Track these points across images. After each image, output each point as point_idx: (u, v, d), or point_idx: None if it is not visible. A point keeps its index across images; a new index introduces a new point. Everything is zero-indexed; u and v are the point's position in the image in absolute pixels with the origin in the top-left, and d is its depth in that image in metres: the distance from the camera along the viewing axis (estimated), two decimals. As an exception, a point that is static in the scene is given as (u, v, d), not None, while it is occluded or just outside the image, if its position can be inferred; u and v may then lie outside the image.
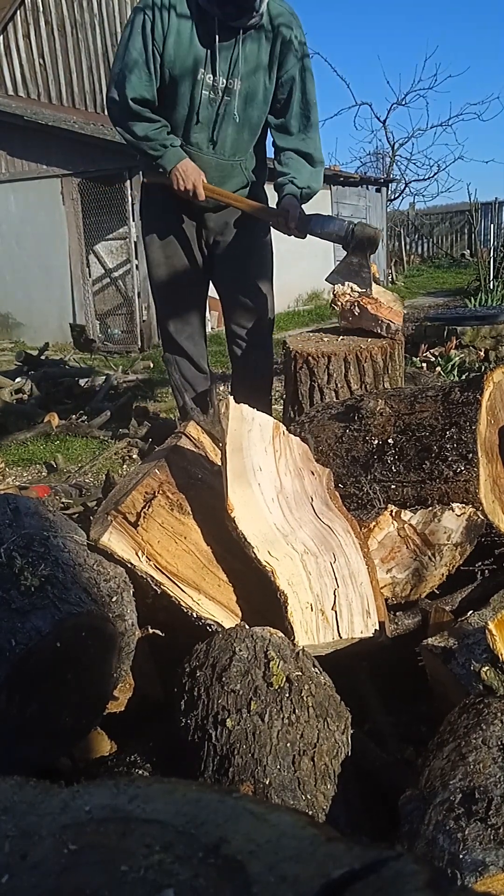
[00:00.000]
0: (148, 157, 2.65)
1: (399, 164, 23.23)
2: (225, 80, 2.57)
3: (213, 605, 1.33)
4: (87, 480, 3.44)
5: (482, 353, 5.70)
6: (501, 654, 1.03)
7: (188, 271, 2.92)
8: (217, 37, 2.50)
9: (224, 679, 1.12)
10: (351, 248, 2.62)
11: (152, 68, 2.52)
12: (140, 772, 1.15)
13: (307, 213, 2.67)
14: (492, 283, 9.02)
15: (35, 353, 6.07)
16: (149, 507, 1.36)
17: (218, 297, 3.06)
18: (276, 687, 1.11)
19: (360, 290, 2.61)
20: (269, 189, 3.02)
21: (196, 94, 2.57)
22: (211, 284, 3.06)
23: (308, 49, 2.70)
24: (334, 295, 2.64)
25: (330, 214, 2.75)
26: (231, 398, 1.51)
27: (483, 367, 5.18)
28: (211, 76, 2.56)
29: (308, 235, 2.69)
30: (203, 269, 2.95)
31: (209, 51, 2.52)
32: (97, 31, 11.94)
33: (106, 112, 2.68)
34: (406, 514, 1.55)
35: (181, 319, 3.00)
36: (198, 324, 3.06)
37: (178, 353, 3.04)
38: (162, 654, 1.46)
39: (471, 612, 1.41)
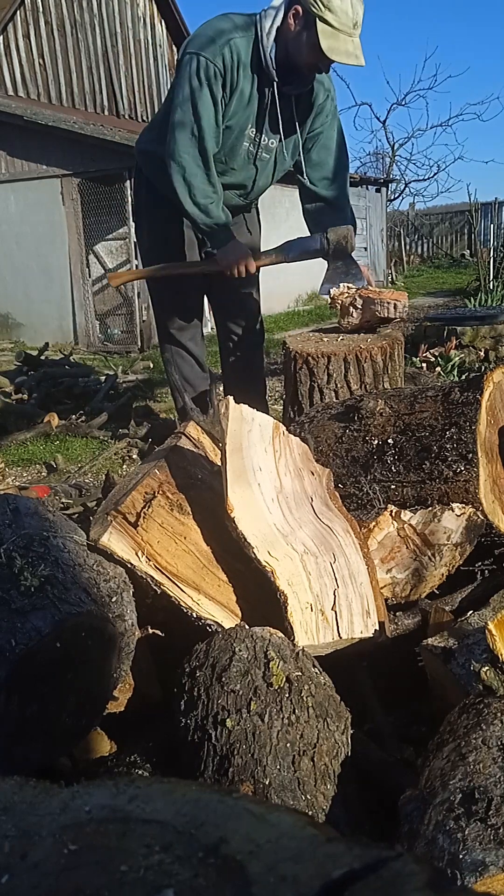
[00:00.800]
0: (199, 229, 2.72)
1: (399, 164, 23.33)
2: (267, 139, 2.70)
3: (213, 605, 1.33)
4: (87, 480, 3.44)
5: (482, 353, 5.69)
6: (501, 654, 1.03)
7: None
8: (270, 100, 2.60)
9: (224, 679, 1.12)
10: (331, 256, 2.65)
11: (220, 121, 2.58)
12: (140, 772, 1.15)
13: (281, 242, 2.76)
14: (492, 283, 9.01)
15: (35, 353, 6.07)
16: (149, 507, 1.36)
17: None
18: (276, 687, 1.11)
19: (355, 285, 2.63)
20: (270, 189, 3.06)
21: (239, 146, 2.68)
22: None
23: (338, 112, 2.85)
24: (332, 298, 2.64)
25: (300, 236, 2.79)
26: (231, 398, 1.51)
27: (483, 367, 5.18)
28: (257, 133, 2.67)
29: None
30: None
31: (259, 110, 2.62)
32: (97, 31, 11.95)
33: (172, 158, 2.58)
34: (406, 514, 1.54)
35: (184, 319, 3.03)
36: (199, 324, 3.11)
37: (180, 353, 3.06)
38: (162, 654, 1.46)
39: (471, 612, 1.41)
